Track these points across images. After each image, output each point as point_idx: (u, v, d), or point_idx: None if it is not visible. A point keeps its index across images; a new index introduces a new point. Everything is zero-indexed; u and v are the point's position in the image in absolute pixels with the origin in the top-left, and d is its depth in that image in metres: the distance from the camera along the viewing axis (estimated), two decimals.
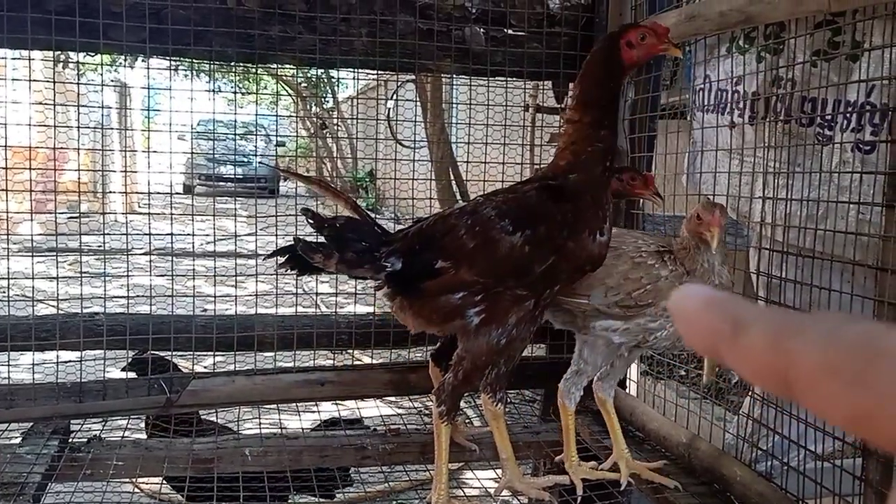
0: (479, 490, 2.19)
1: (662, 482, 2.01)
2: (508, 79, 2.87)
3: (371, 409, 2.82)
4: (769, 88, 2.22)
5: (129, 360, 2.57)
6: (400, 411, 3.16)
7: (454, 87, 6.49)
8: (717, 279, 1.91)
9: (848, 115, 1.99)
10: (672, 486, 2.00)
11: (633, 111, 2.67)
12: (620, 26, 2.04)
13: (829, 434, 1.82)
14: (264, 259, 2.01)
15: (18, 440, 2.21)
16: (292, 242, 1.88)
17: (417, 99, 6.22)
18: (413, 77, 4.89)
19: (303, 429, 2.57)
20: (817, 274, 1.88)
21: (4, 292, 2.39)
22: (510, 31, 2.77)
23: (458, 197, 6.27)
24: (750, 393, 2.31)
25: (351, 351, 2.72)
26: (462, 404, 2.31)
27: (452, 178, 6.40)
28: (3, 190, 2.46)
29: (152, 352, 2.53)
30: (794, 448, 1.95)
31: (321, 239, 1.87)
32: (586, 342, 2.08)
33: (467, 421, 3.46)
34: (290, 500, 2.21)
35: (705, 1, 2.31)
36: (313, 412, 2.90)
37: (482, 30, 2.72)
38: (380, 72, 2.90)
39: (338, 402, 2.81)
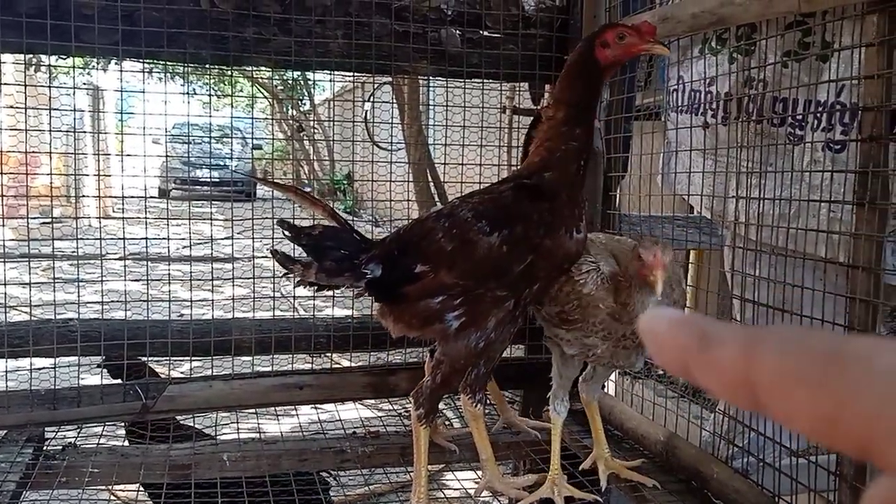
0: (459, 491, 2.19)
1: (641, 481, 2.03)
2: (485, 80, 2.88)
3: (350, 412, 2.82)
4: (741, 89, 2.25)
5: (101, 363, 2.54)
6: (379, 414, 3.15)
7: (431, 88, 6.49)
8: None
9: (818, 114, 2.02)
10: (650, 485, 2.01)
11: (608, 112, 2.69)
12: (601, 26, 2.05)
13: None
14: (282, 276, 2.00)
15: None
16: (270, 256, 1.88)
17: (394, 101, 6.21)
18: (390, 79, 4.88)
19: (282, 433, 2.55)
20: (790, 272, 1.91)
21: None
22: (486, 33, 2.78)
23: (437, 199, 6.27)
24: None
25: (329, 354, 2.71)
26: (441, 406, 2.31)
27: (430, 179, 6.40)
28: None
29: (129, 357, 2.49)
30: (769, 445, 1.97)
31: (299, 249, 1.86)
32: (552, 352, 2.10)
33: (447, 422, 3.46)
34: None
35: (678, 3, 2.34)
36: (292, 416, 2.89)
37: (458, 32, 2.73)
38: (356, 74, 2.90)
39: (316, 405, 2.80)
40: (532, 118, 2.33)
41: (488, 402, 2.55)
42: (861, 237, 1.64)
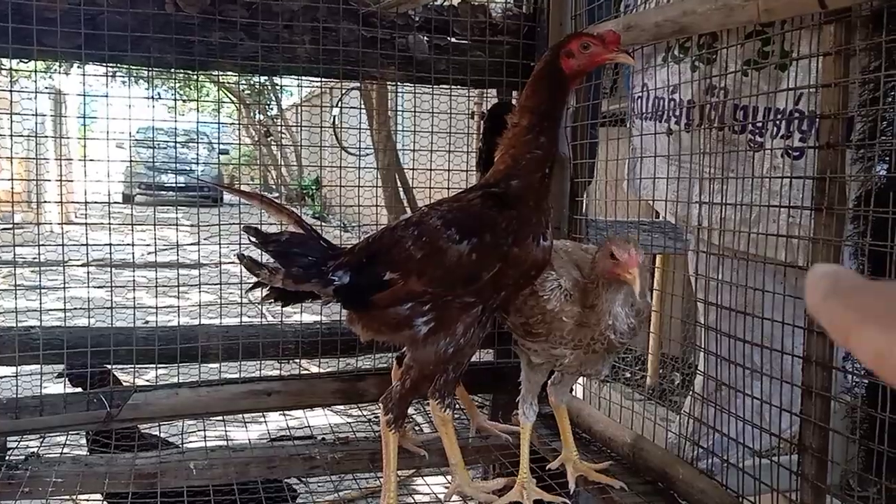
0: (429, 496, 2.19)
1: (609, 483, 2.05)
2: (452, 86, 2.90)
3: (319, 419, 2.80)
4: (703, 96, 2.29)
5: (63, 372, 2.49)
6: (349, 420, 3.14)
7: (399, 94, 6.50)
8: (611, 320, 1.83)
9: (778, 121, 2.07)
10: (618, 487, 2.04)
11: (575, 118, 2.72)
12: (566, 36, 2.09)
13: (767, 431, 1.88)
14: (247, 292, 2.00)
15: None
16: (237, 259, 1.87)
17: (363, 106, 6.20)
18: (358, 84, 4.88)
19: (249, 440, 2.53)
20: (751, 275, 1.95)
21: None
22: (453, 40, 2.80)
23: (405, 204, 6.28)
24: (692, 393, 2.38)
25: (298, 360, 2.69)
26: (411, 411, 2.31)
27: (399, 185, 6.40)
28: None
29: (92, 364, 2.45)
30: (733, 445, 2.01)
31: (266, 255, 1.86)
32: (521, 358, 2.12)
33: (416, 428, 3.46)
34: None
35: (641, 12, 2.38)
36: (260, 423, 2.87)
37: (425, 38, 2.74)
38: (324, 79, 2.89)
39: (285, 412, 2.78)
40: (482, 119, 2.35)
41: (458, 407, 2.56)
42: (820, 241, 1.69)
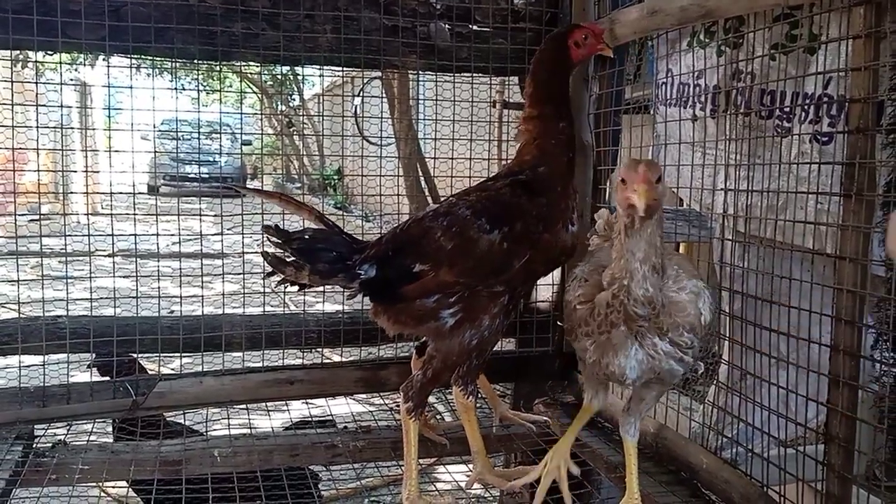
0: (450, 484, 2.20)
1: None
2: (474, 74, 2.88)
3: (342, 407, 2.81)
4: (729, 82, 2.26)
5: (91, 363, 2.53)
6: (371, 408, 3.15)
7: (421, 83, 6.48)
8: (626, 279, 1.53)
9: (806, 106, 2.03)
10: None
11: (598, 106, 2.69)
12: (566, 27, 2.16)
13: (792, 421, 1.86)
14: (264, 277, 2.00)
15: None
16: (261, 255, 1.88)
17: (384, 95, 6.19)
18: (379, 74, 4.87)
19: (272, 428, 2.55)
20: (778, 263, 1.92)
21: None
22: (475, 27, 2.78)
23: (427, 193, 6.27)
24: (716, 382, 2.35)
25: (320, 349, 2.71)
26: (432, 399, 2.31)
27: (420, 174, 6.39)
28: None
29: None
30: (758, 435, 1.98)
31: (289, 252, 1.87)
32: None
33: (438, 416, 3.47)
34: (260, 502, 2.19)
35: None
36: (283, 412, 2.89)
37: (447, 26, 2.73)
38: (345, 69, 2.89)
39: (308, 401, 2.80)
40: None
41: (479, 395, 2.56)
42: (848, 228, 1.65)
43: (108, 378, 2.46)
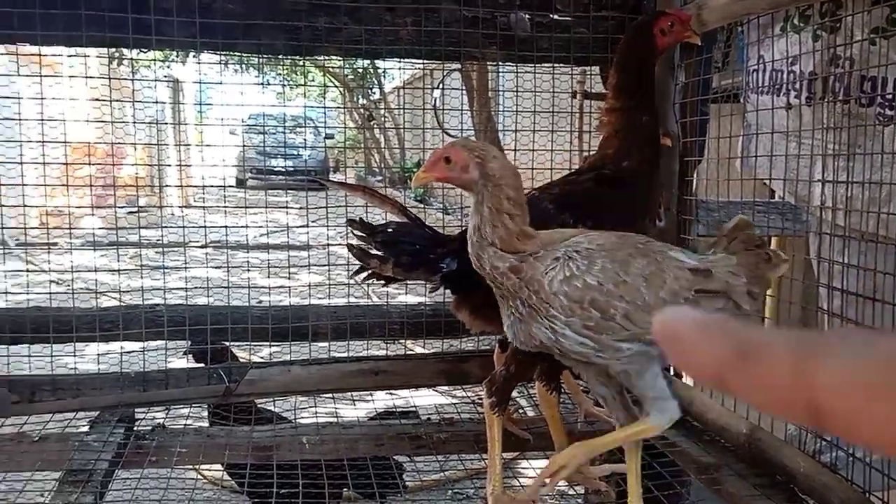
0: (534, 479, 2.19)
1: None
2: (555, 65, 2.84)
3: (425, 399, 2.85)
4: (826, 68, 2.16)
5: (188, 349, 2.64)
6: (453, 401, 3.18)
7: (500, 74, 6.45)
8: (471, 251, 1.57)
9: None
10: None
11: (684, 95, 2.61)
12: (651, 14, 2.11)
13: None
14: (355, 277, 2.04)
15: (86, 428, 2.29)
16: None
17: (464, 87, 6.20)
18: (459, 66, 4.88)
19: (358, 418, 2.60)
20: (881, 259, 1.83)
21: (69, 285, 2.47)
22: (556, 17, 2.74)
23: None
24: None
25: (403, 341, 2.74)
26: (514, 393, 2.31)
27: None
28: (64, 185, 2.54)
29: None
30: None
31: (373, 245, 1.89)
32: None
33: (520, 410, 3.46)
34: (347, 491, 2.25)
35: None
36: (367, 401, 2.94)
37: (527, 16, 2.70)
38: (425, 61, 2.90)
39: (391, 391, 2.84)
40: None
41: (564, 391, 2.54)
42: None
43: (202, 365, 2.56)
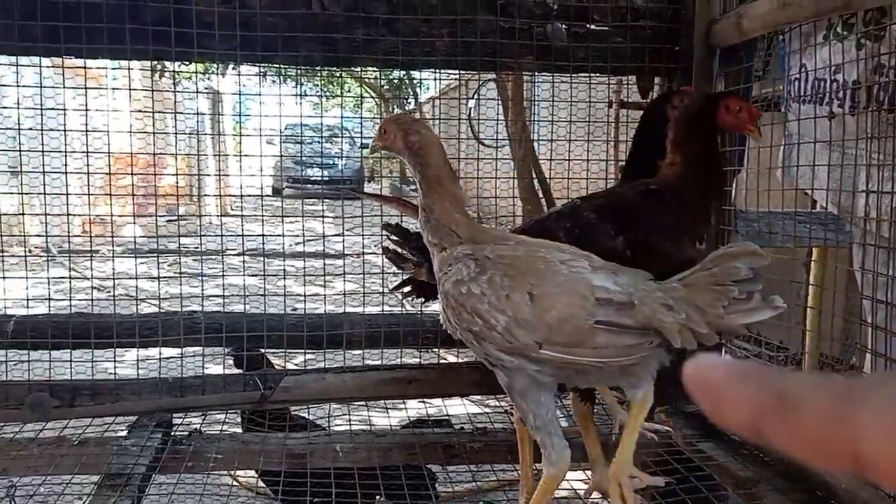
0: (567, 491, 2.17)
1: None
2: (591, 75, 2.83)
3: (458, 408, 2.84)
4: (871, 76, 2.12)
5: (229, 352, 2.67)
6: (486, 410, 3.16)
7: (536, 84, 6.44)
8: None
9: None
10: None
11: None
12: (724, 91, 2.17)
13: None
14: (391, 291, 2.07)
15: (124, 433, 2.32)
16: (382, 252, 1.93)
17: (499, 97, 6.19)
18: (494, 76, 4.88)
19: (391, 426, 2.60)
20: None
21: (110, 292, 2.52)
22: (593, 27, 2.73)
23: (541, 195, 6.22)
24: None
25: (437, 349, 2.74)
26: None
27: (535, 175, 6.34)
28: (107, 195, 2.60)
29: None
30: None
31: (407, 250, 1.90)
32: None
33: None
34: (380, 498, 2.25)
35: None
36: (401, 409, 2.94)
37: (564, 26, 2.69)
38: (461, 71, 2.91)
39: (424, 400, 2.84)
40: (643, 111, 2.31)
41: (598, 402, 2.51)
42: None
43: (241, 371, 2.59)
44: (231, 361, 2.66)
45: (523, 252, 1.59)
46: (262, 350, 2.65)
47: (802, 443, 0.30)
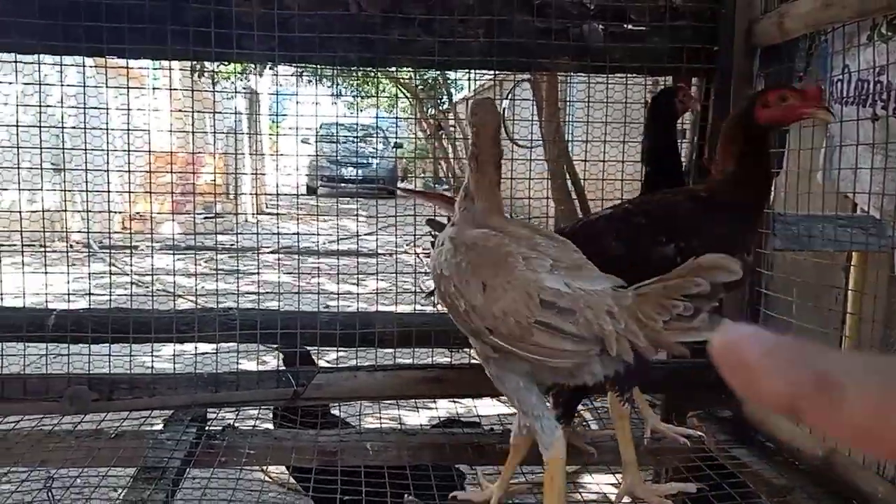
0: (597, 495, 2.16)
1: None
2: (628, 75, 2.81)
3: (487, 408, 2.84)
4: None
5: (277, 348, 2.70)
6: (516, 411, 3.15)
7: (570, 84, 6.40)
8: None
9: None
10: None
11: None
12: (764, 88, 2.10)
13: None
14: (425, 297, 2.10)
15: (160, 426, 2.36)
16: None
17: (533, 98, 6.17)
18: (528, 76, 4.86)
19: (421, 425, 2.61)
20: None
21: (149, 287, 2.56)
22: (630, 27, 2.70)
23: (574, 196, 6.17)
24: None
25: (468, 349, 2.74)
26: (580, 407, 2.27)
27: (568, 177, 6.30)
28: (147, 192, 2.64)
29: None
30: None
31: None
32: None
33: (584, 423, 3.41)
34: (408, 496, 2.25)
35: None
36: (431, 409, 2.95)
37: (600, 26, 2.67)
38: (496, 72, 2.91)
39: (455, 399, 2.84)
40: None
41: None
42: None
43: (284, 367, 2.61)
44: (282, 358, 2.69)
45: (494, 243, 1.64)
46: (307, 348, 2.67)
47: (848, 429, 0.29)
